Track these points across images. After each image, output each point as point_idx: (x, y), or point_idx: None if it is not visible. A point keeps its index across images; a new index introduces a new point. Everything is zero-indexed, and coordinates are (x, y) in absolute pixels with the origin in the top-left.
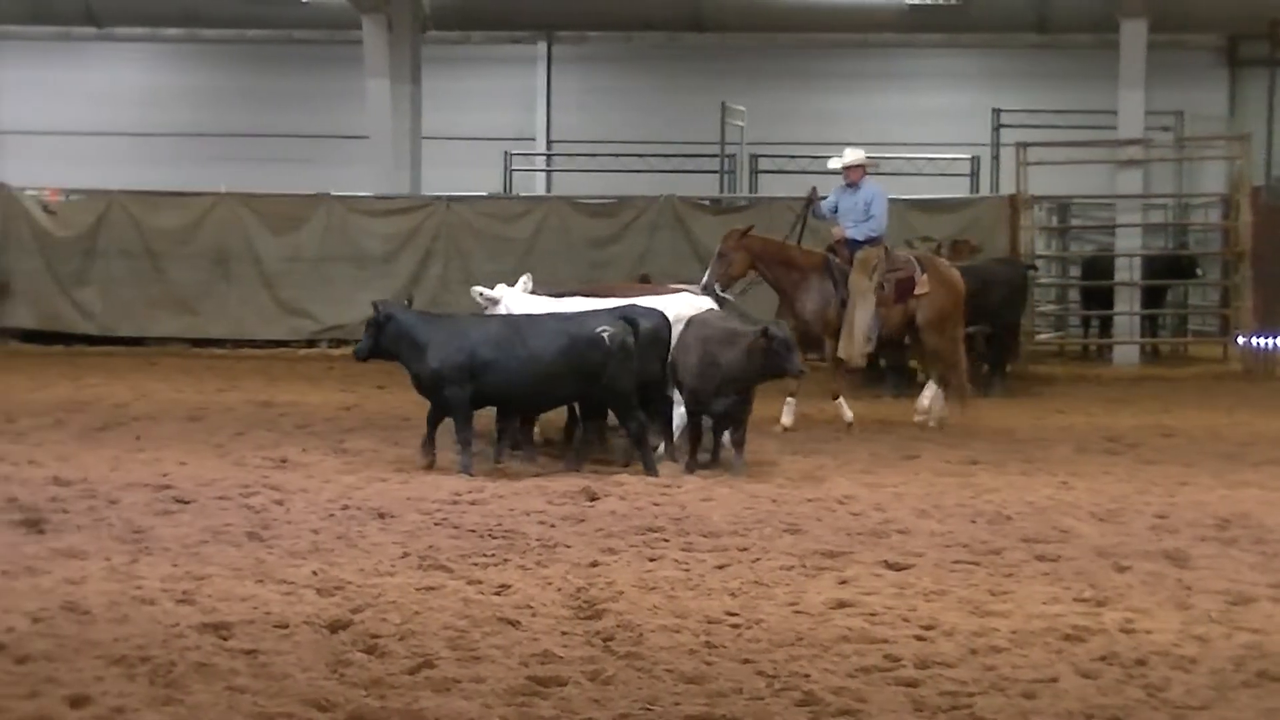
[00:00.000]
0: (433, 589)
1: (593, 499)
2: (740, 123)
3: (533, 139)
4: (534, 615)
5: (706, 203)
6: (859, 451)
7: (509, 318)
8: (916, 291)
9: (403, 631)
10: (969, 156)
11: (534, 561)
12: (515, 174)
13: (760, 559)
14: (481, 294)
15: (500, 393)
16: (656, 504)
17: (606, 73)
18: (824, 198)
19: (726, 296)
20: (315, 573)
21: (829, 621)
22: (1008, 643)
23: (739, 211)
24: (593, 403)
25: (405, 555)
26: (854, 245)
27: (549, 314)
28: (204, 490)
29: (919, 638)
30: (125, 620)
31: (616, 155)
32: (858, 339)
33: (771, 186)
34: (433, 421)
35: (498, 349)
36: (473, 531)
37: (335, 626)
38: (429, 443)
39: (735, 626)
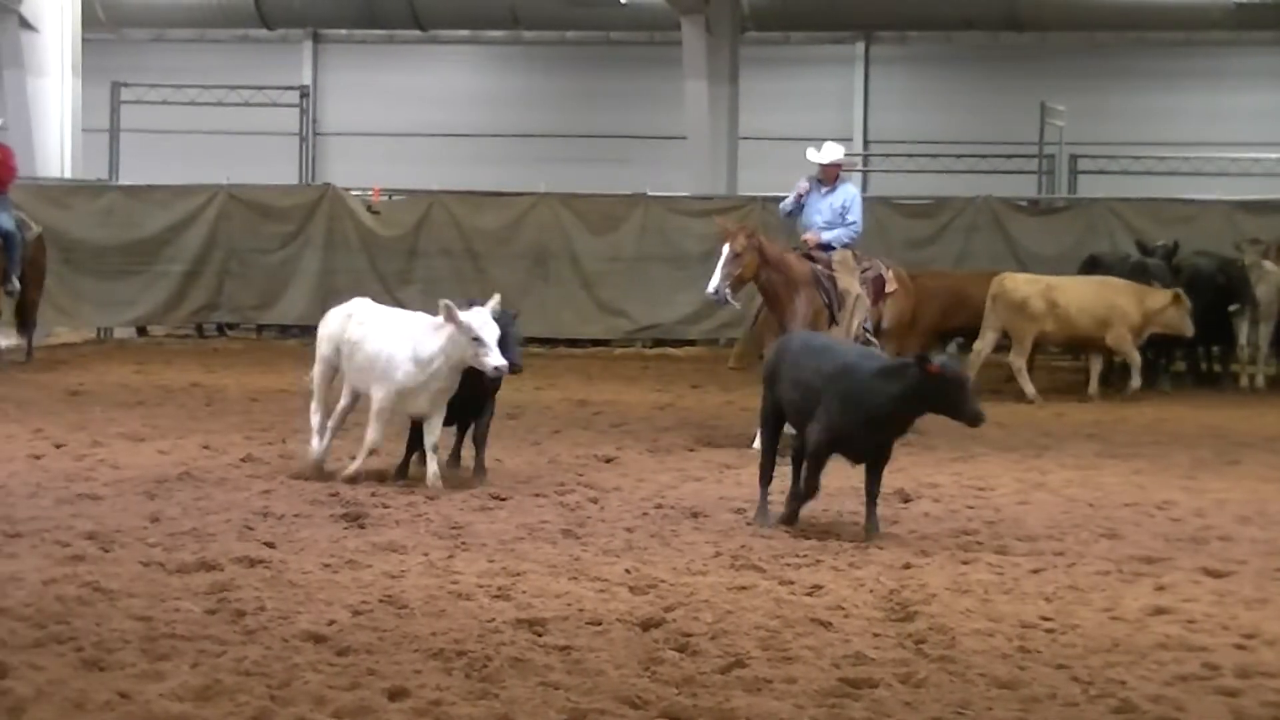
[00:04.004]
0: (745, 588)
1: (906, 501)
2: (1060, 122)
3: (850, 139)
4: (846, 616)
5: (1025, 204)
6: (1179, 456)
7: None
8: (887, 290)
9: (715, 631)
10: None
11: (846, 563)
12: None
13: (1076, 564)
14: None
15: None
16: (970, 507)
17: (924, 73)
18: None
19: (734, 303)
20: (629, 570)
21: (1146, 628)
22: None
23: (1057, 213)
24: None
25: (718, 555)
26: (827, 249)
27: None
28: (521, 487)
29: (1239, 646)
30: (443, 614)
31: (934, 155)
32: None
33: (1092, 187)
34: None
35: None
36: (785, 532)
37: (648, 624)
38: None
39: (1050, 632)
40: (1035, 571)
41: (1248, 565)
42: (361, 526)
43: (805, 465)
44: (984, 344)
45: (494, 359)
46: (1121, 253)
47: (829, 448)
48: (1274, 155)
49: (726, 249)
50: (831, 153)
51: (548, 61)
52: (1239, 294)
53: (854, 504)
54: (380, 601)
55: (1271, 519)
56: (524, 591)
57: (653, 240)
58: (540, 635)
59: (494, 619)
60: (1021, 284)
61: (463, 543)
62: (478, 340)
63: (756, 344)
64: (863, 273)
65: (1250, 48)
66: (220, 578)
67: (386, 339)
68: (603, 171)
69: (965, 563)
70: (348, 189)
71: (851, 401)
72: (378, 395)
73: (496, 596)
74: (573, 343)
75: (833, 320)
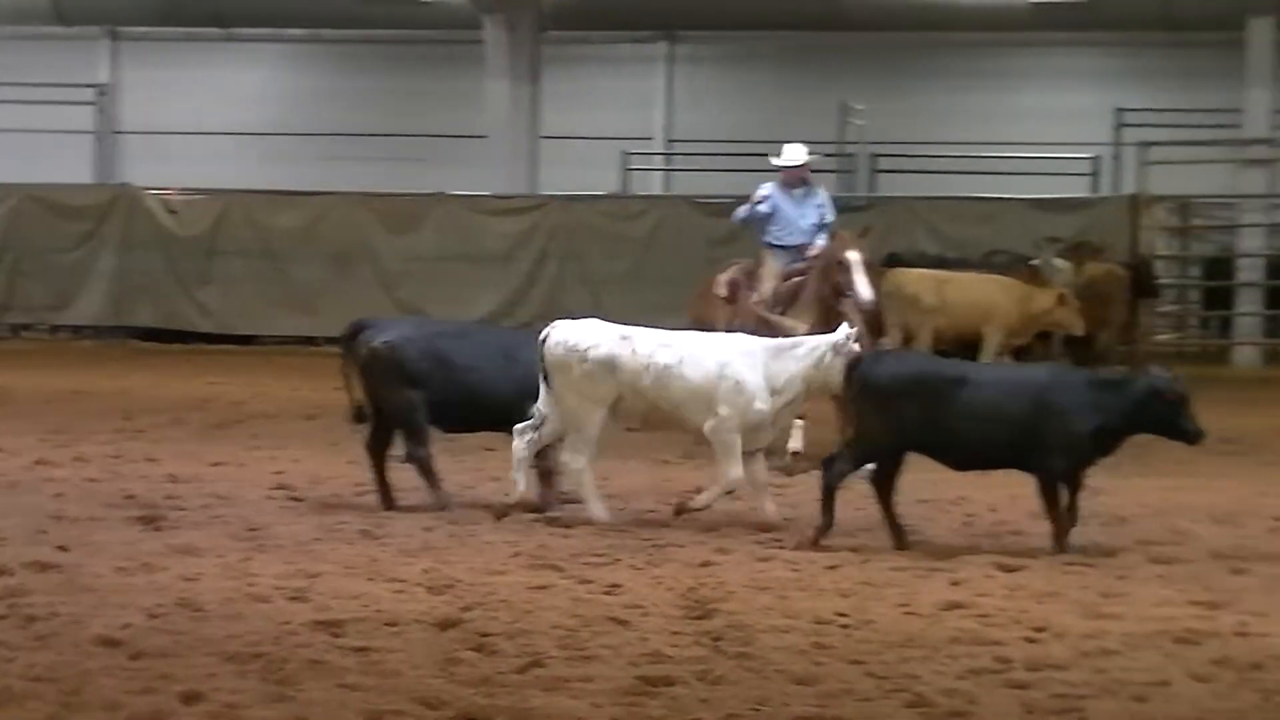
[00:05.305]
0: (543, 588)
1: None
2: (860, 121)
3: (650, 138)
4: (644, 615)
5: None
6: None
7: None
8: None
9: (513, 630)
10: (1090, 156)
11: (644, 561)
12: (633, 173)
13: (871, 560)
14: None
15: None
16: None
17: (726, 72)
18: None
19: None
20: (427, 571)
21: (940, 623)
22: (1120, 646)
23: (857, 211)
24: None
25: (516, 554)
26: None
27: None
28: (318, 488)
29: (1030, 640)
30: (239, 617)
31: (735, 154)
32: None
33: (891, 186)
34: None
35: None
36: (584, 530)
37: (446, 625)
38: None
39: (845, 627)
40: (831, 568)
41: (1039, 559)
42: (157, 529)
43: (1048, 496)
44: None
45: None
46: (919, 250)
47: (1078, 469)
48: (1070, 154)
49: (857, 255)
50: (799, 154)
51: (348, 60)
52: None
53: (651, 503)
54: (176, 605)
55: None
56: (321, 593)
57: (453, 239)
58: (337, 636)
59: (290, 621)
60: (914, 279)
61: (260, 544)
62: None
63: None
64: None
65: (1046, 48)
66: (11, 583)
67: (725, 364)
68: (403, 170)
69: (763, 560)
70: (146, 188)
71: (1083, 417)
72: (723, 427)
73: (293, 598)
74: None
75: None
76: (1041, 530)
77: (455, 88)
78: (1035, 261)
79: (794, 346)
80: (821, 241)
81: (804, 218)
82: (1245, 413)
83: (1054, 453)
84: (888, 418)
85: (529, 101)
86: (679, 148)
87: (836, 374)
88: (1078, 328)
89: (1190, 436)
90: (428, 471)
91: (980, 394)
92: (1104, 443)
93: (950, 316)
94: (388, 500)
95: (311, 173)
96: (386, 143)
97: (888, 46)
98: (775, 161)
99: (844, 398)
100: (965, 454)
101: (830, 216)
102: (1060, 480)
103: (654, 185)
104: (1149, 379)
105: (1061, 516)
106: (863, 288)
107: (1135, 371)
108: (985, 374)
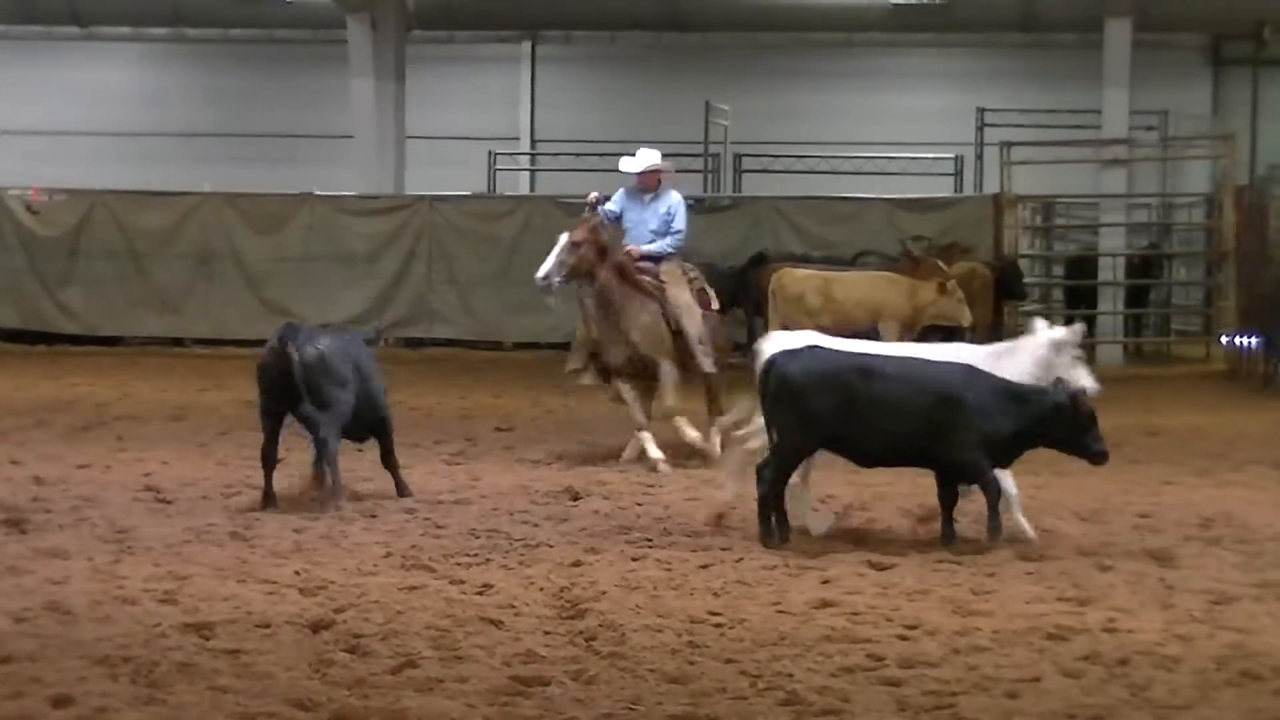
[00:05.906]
0: (415, 589)
1: (576, 498)
2: (724, 122)
3: (516, 138)
4: (517, 615)
5: (690, 203)
6: None
7: None
8: (712, 306)
9: (385, 631)
10: (953, 156)
11: (517, 561)
12: (499, 173)
13: (743, 559)
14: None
15: None
16: (639, 504)
17: (590, 72)
18: (606, 198)
19: (554, 298)
20: (298, 572)
21: (812, 621)
22: (991, 642)
23: (723, 211)
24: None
25: (388, 555)
26: (655, 260)
27: None
28: (187, 490)
29: (902, 637)
30: (108, 620)
31: (600, 155)
32: (699, 352)
33: (755, 186)
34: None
35: None
36: (456, 531)
37: (318, 626)
38: None
39: (718, 626)
40: (703, 567)
41: (909, 557)
42: (23, 532)
43: (988, 494)
44: None
45: (1088, 378)
46: (785, 250)
47: (988, 465)
48: (930, 154)
49: (564, 238)
50: (647, 159)
51: (212, 59)
52: None
53: (524, 503)
54: (43, 608)
55: (932, 512)
56: (191, 595)
57: (319, 239)
58: (208, 639)
59: (160, 624)
60: (799, 279)
61: (128, 547)
62: (1079, 359)
63: (584, 353)
64: (690, 282)
65: (907, 49)
66: None
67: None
68: (269, 171)
69: (635, 559)
70: (5, 188)
71: (1003, 420)
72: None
73: (163, 601)
74: (238, 343)
75: (677, 331)
76: (912, 527)
77: (321, 87)
78: (916, 252)
79: (1012, 351)
80: (662, 244)
81: (645, 223)
82: (1108, 410)
83: (969, 448)
84: (804, 414)
85: (394, 101)
86: (545, 148)
87: (1061, 370)
88: (965, 318)
89: (1096, 457)
90: (334, 462)
91: (895, 390)
92: (1014, 449)
93: (838, 316)
94: (270, 501)
95: (176, 173)
96: (252, 143)
97: (752, 47)
98: (623, 167)
99: (760, 399)
100: (877, 450)
101: (680, 222)
102: (977, 477)
103: (520, 185)
104: (1058, 395)
105: (995, 506)
106: (546, 262)
107: (1047, 386)
108: (899, 369)
